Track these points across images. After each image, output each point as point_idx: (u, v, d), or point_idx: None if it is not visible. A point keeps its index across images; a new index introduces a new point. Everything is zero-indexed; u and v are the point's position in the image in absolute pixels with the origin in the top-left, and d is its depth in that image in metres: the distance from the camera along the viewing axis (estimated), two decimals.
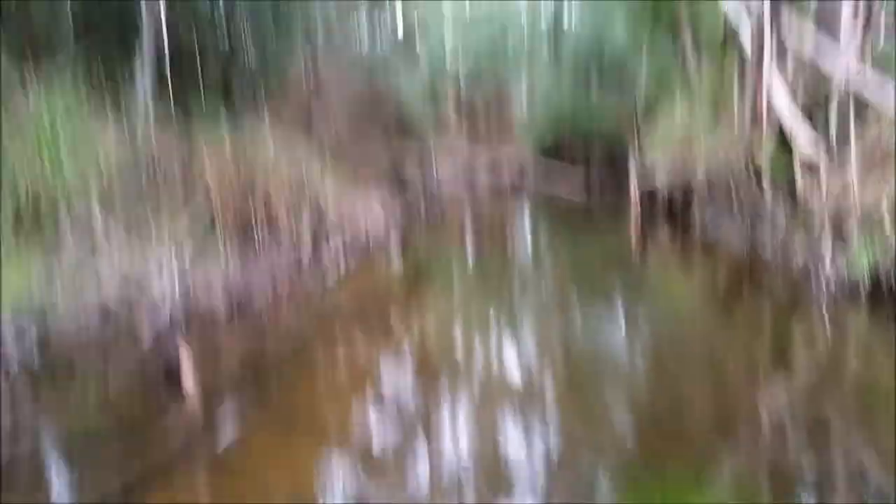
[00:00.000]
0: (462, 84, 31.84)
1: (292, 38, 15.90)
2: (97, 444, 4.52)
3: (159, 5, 10.42)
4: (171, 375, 5.31)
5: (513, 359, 6.51)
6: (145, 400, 5.30)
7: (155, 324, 6.76)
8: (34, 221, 7.23)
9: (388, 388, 5.73)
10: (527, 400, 5.30)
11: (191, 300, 7.38)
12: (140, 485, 3.96)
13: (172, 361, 5.54)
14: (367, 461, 4.32)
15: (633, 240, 13.79)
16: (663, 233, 13.86)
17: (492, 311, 8.39)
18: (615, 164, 20.95)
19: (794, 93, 10.46)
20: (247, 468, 4.16)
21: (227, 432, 4.77)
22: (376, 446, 4.57)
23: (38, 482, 4.19)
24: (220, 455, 4.39)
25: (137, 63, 10.36)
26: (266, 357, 6.53)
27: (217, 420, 4.92)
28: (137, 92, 10.28)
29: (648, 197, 14.85)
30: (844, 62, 9.29)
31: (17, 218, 7.05)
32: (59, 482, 4.26)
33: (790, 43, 10.64)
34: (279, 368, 6.18)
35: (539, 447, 4.49)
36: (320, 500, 3.93)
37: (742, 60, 11.99)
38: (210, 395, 5.29)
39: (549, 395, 5.50)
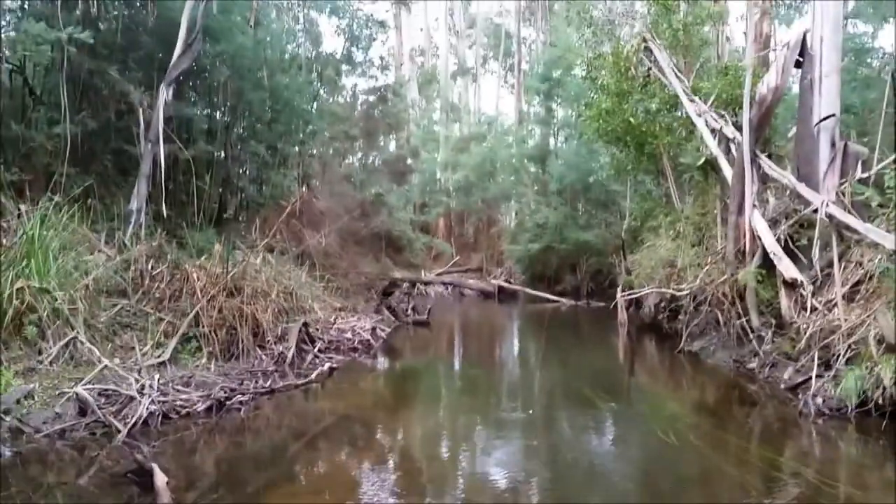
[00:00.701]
0: (452, 196, 32.69)
1: (287, 165, 16.51)
2: None
3: (158, 132, 10.80)
4: (143, 471, 5.11)
5: (497, 468, 6.30)
6: (116, 495, 5.08)
7: (131, 418, 6.57)
8: (16, 316, 7.19)
9: (363, 493, 5.55)
10: None
11: (169, 395, 7.21)
12: None
13: (145, 457, 5.39)
14: None
15: (621, 348, 13.82)
16: (650, 341, 13.88)
17: (476, 422, 8.09)
18: (602, 272, 21.33)
19: (775, 220, 10.74)
20: None
21: None
22: None
23: None
24: None
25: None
26: (243, 453, 6.43)
27: None
28: (131, 202, 10.59)
29: (635, 306, 14.98)
30: (823, 202, 9.60)
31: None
32: None
33: (770, 170, 11.04)
34: (255, 466, 6.01)
35: None
36: None
37: (723, 183, 12.40)
38: (183, 492, 5.08)
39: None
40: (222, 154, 14.41)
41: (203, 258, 10.08)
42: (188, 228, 11.45)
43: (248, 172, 15.81)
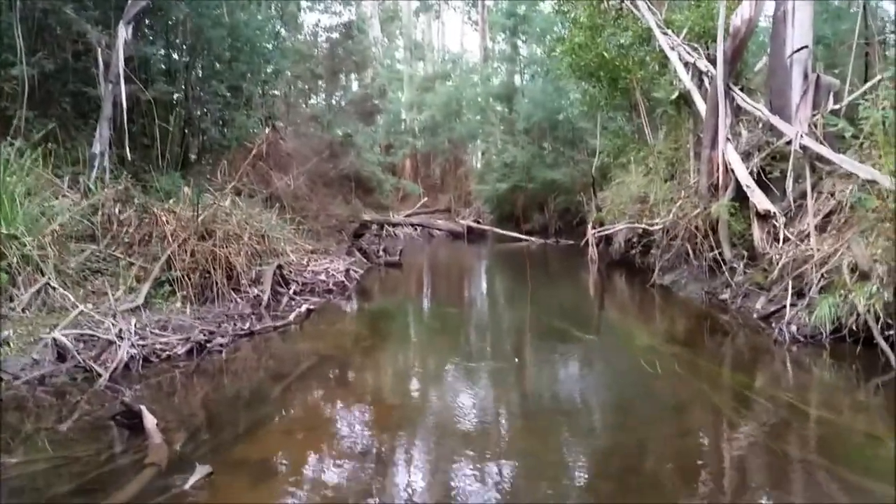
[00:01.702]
0: (418, 136, 32.36)
1: (251, 106, 15.97)
2: (46, 484, 4.27)
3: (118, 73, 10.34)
4: (132, 414, 5.03)
5: (470, 400, 6.34)
6: (99, 439, 5.01)
7: (112, 362, 6.46)
8: None
9: (346, 431, 5.56)
10: (484, 441, 5.17)
11: (148, 339, 7.10)
12: None
13: (131, 400, 5.32)
14: None
15: (592, 284, 13.98)
16: (620, 277, 14.06)
17: (452, 359, 8.05)
18: (570, 211, 21.45)
19: (747, 152, 10.79)
20: None
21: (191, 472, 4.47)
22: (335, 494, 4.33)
23: None
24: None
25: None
26: (226, 394, 6.45)
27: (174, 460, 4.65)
28: (94, 146, 10.21)
29: (605, 242, 15.10)
30: (798, 133, 9.64)
31: None
32: None
33: (743, 103, 11.05)
34: (240, 406, 6.03)
35: (494, 491, 4.34)
36: None
37: (696, 117, 12.40)
38: (172, 433, 5.03)
39: (508, 436, 5.44)
40: (183, 95, 13.93)
41: (171, 202, 9.85)
42: (153, 172, 11.16)
43: (210, 114, 15.34)
